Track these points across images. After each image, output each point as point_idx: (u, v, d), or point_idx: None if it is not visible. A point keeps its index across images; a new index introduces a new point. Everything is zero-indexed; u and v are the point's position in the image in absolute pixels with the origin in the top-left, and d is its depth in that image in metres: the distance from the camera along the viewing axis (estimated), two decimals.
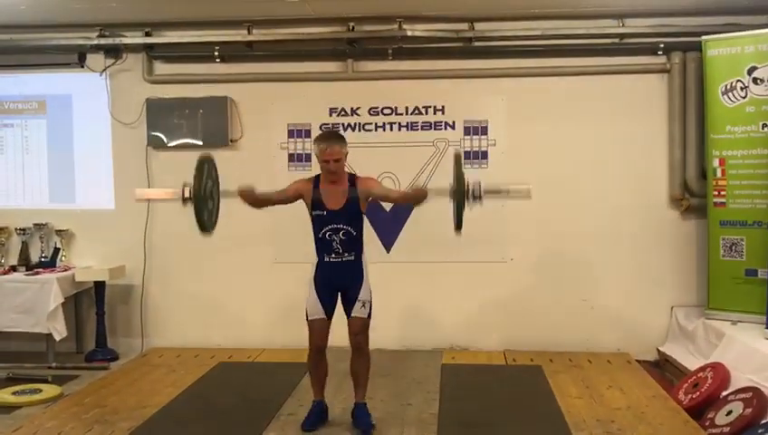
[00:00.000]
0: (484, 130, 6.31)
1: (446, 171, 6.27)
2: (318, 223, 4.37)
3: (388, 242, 6.38)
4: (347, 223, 4.32)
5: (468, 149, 6.31)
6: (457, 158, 4.22)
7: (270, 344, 6.37)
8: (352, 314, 4.35)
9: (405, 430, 4.39)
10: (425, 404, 4.74)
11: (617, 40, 6.10)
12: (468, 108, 6.32)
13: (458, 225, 4.07)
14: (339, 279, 4.38)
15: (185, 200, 4.12)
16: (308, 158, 6.41)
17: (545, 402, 4.83)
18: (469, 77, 6.31)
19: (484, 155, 6.31)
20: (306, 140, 6.42)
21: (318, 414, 4.47)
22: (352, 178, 4.39)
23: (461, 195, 4.01)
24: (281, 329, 6.35)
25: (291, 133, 6.45)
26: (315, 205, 4.35)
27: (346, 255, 4.35)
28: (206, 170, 4.21)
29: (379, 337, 6.25)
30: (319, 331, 4.37)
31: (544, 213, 6.26)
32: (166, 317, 6.57)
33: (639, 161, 6.23)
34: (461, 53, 6.28)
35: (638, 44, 6.13)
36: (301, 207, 6.54)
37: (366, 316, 4.36)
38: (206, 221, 4.18)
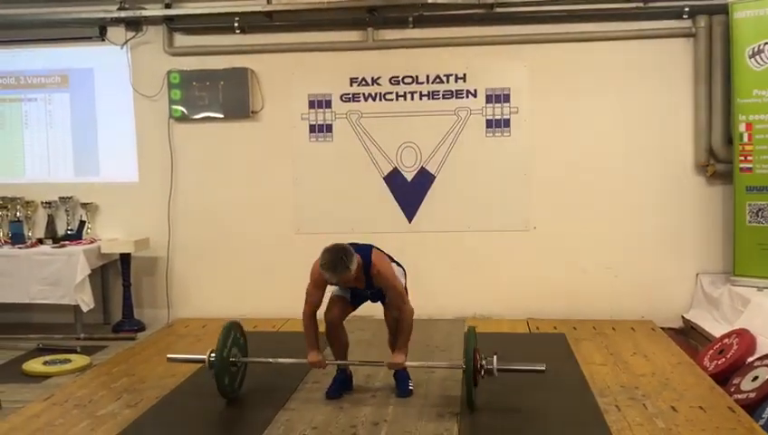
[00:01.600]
0: (507, 98, 6.25)
1: (467, 140, 6.28)
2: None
3: (409, 212, 6.38)
4: (370, 292, 4.37)
5: (491, 117, 6.27)
6: (469, 333, 4.19)
7: (294, 314, 6.38)
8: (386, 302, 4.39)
9: (429, 395, 4.43)
10: (448, 371, 4.76)
11: (641, 4, 5.99)
12: (490, 76, 6.27)
13: (470, 405, 4.09)
14: (369, 299, 4.49)
15: (211, 365, 4.22)
16: (329, 128, 6.41)
17: (569, 369, 4.83)
18: (491, 44, 6.26)
19: (507, 123, 6.26)
20: (327, 110, 6.40)
21: (342, 382, 4.51)
22: (367, 270, 4.15)
23: (470, 374, 4.02)
24: (302, 298, 6.39)
25: (311, 104, 6.44)
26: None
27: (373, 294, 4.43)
28: (231, 337, 4.34)
29: None
30: (337, 308, 4.39)
31: (568, 180, 6.23)
32: (190, 288, 6.63)
33: (664, 127, 6.15)
34: (482, 20, 6.20)
35: (662, 8, 6.03)
36: (321, 179, 6.57)
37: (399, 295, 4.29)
38: (226, 387, 4.27)
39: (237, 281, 6.57)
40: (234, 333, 4.42)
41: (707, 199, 6.14)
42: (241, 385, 4.50)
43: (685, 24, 6.07)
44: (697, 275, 6.17)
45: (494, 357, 4.12)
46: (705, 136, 6.05)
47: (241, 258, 6.60)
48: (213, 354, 4.25)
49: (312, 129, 6.45)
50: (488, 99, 6.27)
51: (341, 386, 4.50)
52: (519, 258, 6.33)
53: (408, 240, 6.37)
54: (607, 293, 6.23)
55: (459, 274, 6.37)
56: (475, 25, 6.24)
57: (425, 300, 6.29)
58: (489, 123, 6.28)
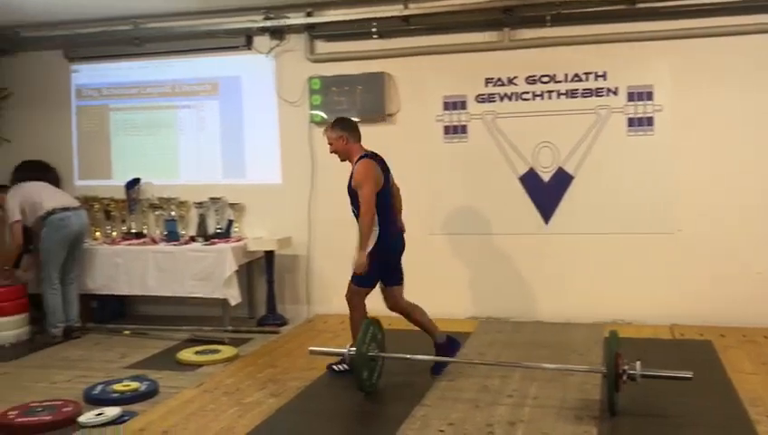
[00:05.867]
0: (650, 96, 6.04)
1: (608, 140, 6.11)
2: None
3: (546, 213, 6.28)
4: (351, 201, 4.80)
5: (632, 116, 6.07)
6: (611, 337, 4.17)
7: (430, 314, 6.46)
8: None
9: (567, 398, 4.36)
10: (587, 375, 4.65)
11: None
12: (632, 73, 6.08)
13: (611, 410, 4.04)
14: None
15: (351, 358, 4.40)
16: (463, 129, 6.43)
17: (716, 377, 4.61)
18: (633, 40, 6.05)
19: (650, 122, 6.04)
20: (462, 111, 6.43)
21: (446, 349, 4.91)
22: (357, 163, 4.74)
23: (612, 378, 3.98)
24: (438, 299, 6.45)
25: (446, 105, 6.48)
26: None
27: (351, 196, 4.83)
28: (370, 333, 4.51)
29: (537, 309, 6.26)
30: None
31: (715, 180, 5.93)
32: (329, 286, 6.82)
33: None
34: (624, 16, 6.02)
35: None
36: (455, 180, 6.61)
37: (352, 281, 4.81)
38: (364, 381, 4.43)
39: None
40: (372, 329, 4.54)
41: None
42: (378, 380, 4.61)
43: None
44: None
45: (638, 363, 4.00)
46: None
47: None
48: (352, 349, 4.38)
49: (447, 130, 6.49)
50: (630, 97, 6.07)
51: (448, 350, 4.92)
52: (662, 262, 6.08)
53: (545, 242, 6.29)
54: (757, 298, 5.86)
55: (598, 277, 6.20)
56: (615, 22, 6.07)
57: (561, 303, 6.24)
58: (631, 122, 6.08)
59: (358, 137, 4.86)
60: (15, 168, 7.38)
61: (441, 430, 3.92)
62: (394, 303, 4.92)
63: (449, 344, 4.95)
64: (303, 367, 5.08)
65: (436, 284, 6.50)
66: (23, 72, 7.52)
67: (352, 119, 5.04)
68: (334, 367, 4.94)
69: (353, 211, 4.83)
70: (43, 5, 6.43)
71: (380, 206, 4.69)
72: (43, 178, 6.94)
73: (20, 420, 4.25)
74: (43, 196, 6.37)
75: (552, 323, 6.14)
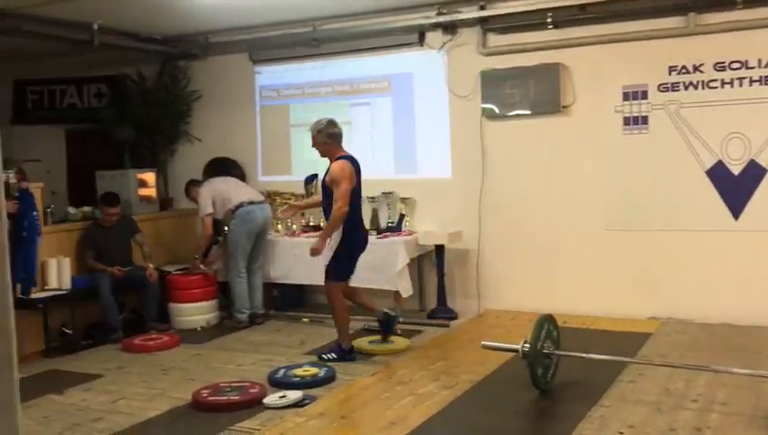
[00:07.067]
0: None
1: None
2: None
3: (736, 208, 5.86)
4: (324, 196, 5.42)
5: None
6: None
7: (606, 313, 6.25)
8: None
9: (760, 406, 4.05)
10: None
11: None
12: None
13: None
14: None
15: (525, 354, 4.32)
16: (644, 120, 6.15)
17: None
18: None
19: None
20: (643, 102, 6.14)
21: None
22: (336, 162, 5.30)
23: None
24: (615, 298, 6.24)
25: (626, 96, 6.21)
26: None
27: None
28: (545, 329, 4.43)
29: (724, 310, 5.85)
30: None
31: None
32: (499, 281, 6.79)
33: None
34: None
35: None
36: (635, 173, 6.35)
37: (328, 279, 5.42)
38: (539, 378, 4.36)
39: (545, 276, 6.57)
40: (547, 326, 4.46)
41: None
42: (553, 378, 4.52)
43: None
44: None
45: None
46: None
47: (549, 253, 6.60)
48: (526, 345, 4.32)
49: (627, 121, 6.22)
50: None
51: None
52: None
53: (734, 239, 5.89)
54: None
55: None
56: None
57: (752, 304, 5.81)
58: None
59: (339, 142, 5.48)
60: (207, 164, 7.95)
61: (621, 432, 3.79)
62: (348, 292, 5.58)
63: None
64: (475, 361, 5.08)
65: (614, 282, 6.29)
66: (212, 75, 8.08)
67: (338, 124, 5.52)
68: (323, 356, 5.39)
69: (323, 206, 5.49)
70: (231, 12, 6.86)
71: (350, 205, 5.23)
72: (232, 174, 7.44)
73: (212, 398, 4.58)
74: (231, 190, 6.83)
75: (740, 325, 5.73)
